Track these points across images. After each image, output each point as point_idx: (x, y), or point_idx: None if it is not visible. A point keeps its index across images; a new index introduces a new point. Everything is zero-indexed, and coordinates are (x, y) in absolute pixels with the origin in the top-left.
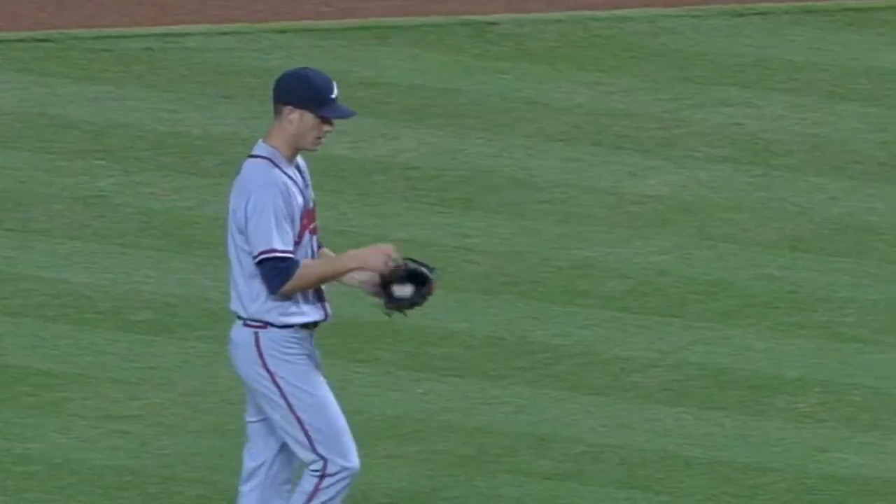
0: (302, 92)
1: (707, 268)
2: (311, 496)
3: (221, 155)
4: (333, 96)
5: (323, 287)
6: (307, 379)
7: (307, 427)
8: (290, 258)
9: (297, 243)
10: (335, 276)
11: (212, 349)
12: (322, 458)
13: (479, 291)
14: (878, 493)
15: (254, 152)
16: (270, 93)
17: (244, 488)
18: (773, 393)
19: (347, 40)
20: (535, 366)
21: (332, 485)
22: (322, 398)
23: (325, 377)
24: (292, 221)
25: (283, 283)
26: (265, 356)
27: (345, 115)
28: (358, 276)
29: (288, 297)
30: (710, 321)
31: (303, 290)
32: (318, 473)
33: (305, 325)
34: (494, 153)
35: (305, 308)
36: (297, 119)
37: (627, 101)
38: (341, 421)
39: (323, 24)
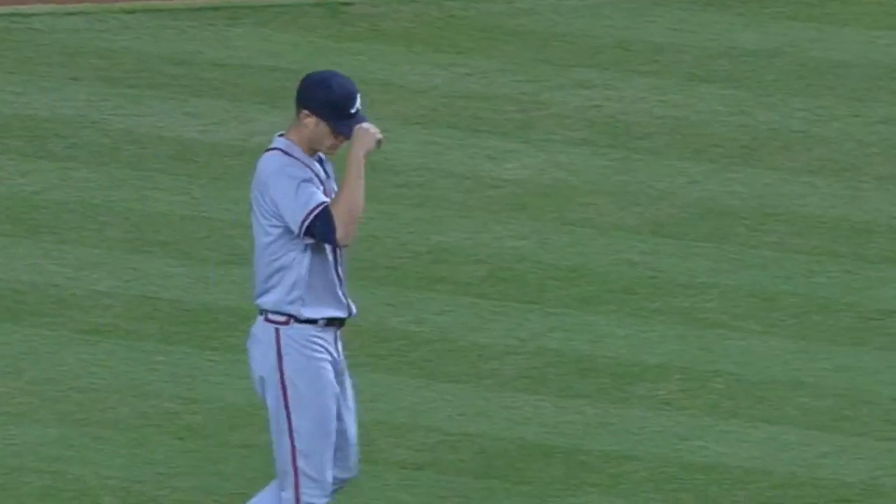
0: (321, 100)
1: (566, 253)
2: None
3: (69, 138)
4: (353, 111)
5: (343, 278)
6: (316, 390)
7: (295, 436)
8: (323, 209)
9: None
10: (359, 176)
11: (60, 336)
12: (296, 476)
13: None
14: (739, 482)
15: (270, 145)
16: (295, 90)
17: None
18: (633, 380)
19: (197, 21)
20: (391, 353)
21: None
22: (322, 420)
23: (343, 381)
24: (318, 183)
25: (332, 229)
26: (283, 353)
27: None
28: None
29: (313, 290)
30: (569, 307)
31: (355, 219)
32: (292, 499)
33: (329, 322)
34: None
35: (330, 302)
36: (313, 125)
37: (485, 83)
38: (331, 437)
39: (172, 4)
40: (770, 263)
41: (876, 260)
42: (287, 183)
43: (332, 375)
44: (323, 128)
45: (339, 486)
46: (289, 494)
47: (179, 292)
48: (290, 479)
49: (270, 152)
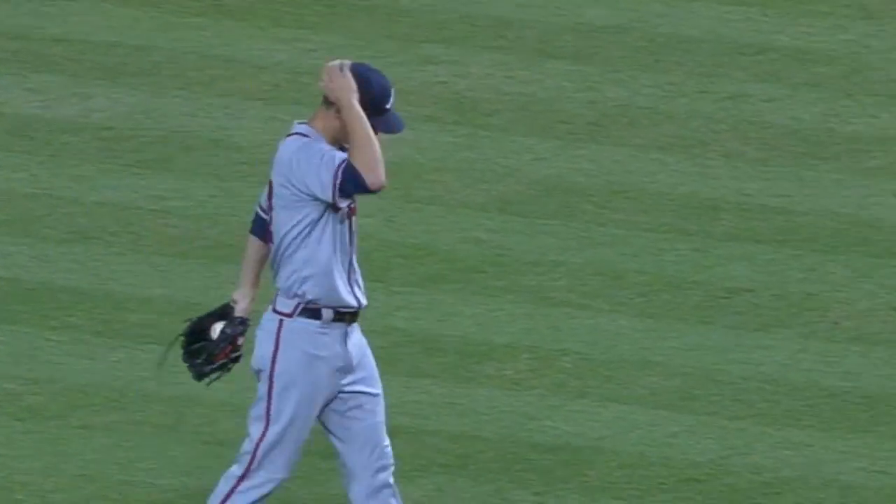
0: (361, 95)
1: (412, 231)
2: (236, 484)
3: None
4: (388, 106)
5: (357, 269)
6: (299, 397)
7: (266, 438)
8: (346, 163)
9: (342, 221)
10: (361, 118)
11: None
12: (255, 459)
13: (176, 256)
14: (587, 462)
15: (292, 131)
16: None
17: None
18: (481, 360)
19: None
20: None
21: (255, 486)
22: (298, 420)
23: (358, 374)
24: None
25: (360, 177)
26: (281, 345)
27: (395, 129)
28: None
29: (327, 280)
30: (415, 286)
31: (378, 160)
32: (238, 475)
33: (337, 317)
34: (191, 112)
35: (340, 294)
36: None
37: (329, 59)
38: (301, 436)
39: None
40: (618, 241)
41: (724, 237)
42: (310, 155)
43: (326, 377)
44: None
45: (382, 483)
46: (238, 471)
47: (18, 270)
48: (247, 459)
49: (292, 137)
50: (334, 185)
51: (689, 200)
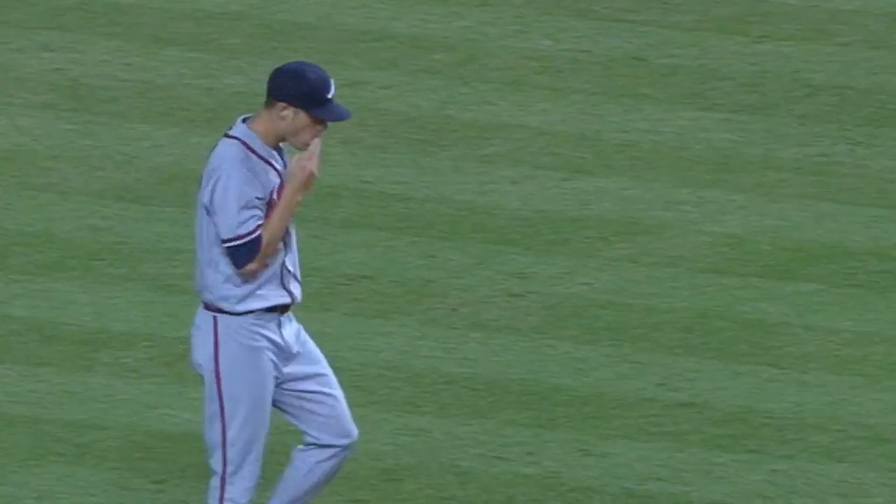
0: (298, 90)
1: (29, 219)
2: (221, 491)
3: None
4: (329, 96)
5: (293, 269)
6: (248, 375)
7: (228, 437)
8: (254, 238)
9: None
10: (289, 212)
11: None
12: (226, 464)
13: None
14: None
15: (230, 132)
16: (266, 83)
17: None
18: (99, 348)
19: None
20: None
21: (232, 498)
22: (253, 400)
23: (297, 360)
24: (264, 205)
25: (250, 259)
26: (220, 342)
27: (341, 116)
28: None
29: (247, 281)
30: (32, 274)
31: (273, 255)
32: (217, 479)
33: (269, 310)
34: None
35: (263, 293)
36: (291, 116)
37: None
38: (262, 430)
39: None
40: None
41: (343, 224)
42: (234, 198)
43: (270, 366)
44: (302, 118)
45: (343, 453)
46: (216, 482)
47: None
48: (220, 466)
49: (230, 141)
50: (228, 241)
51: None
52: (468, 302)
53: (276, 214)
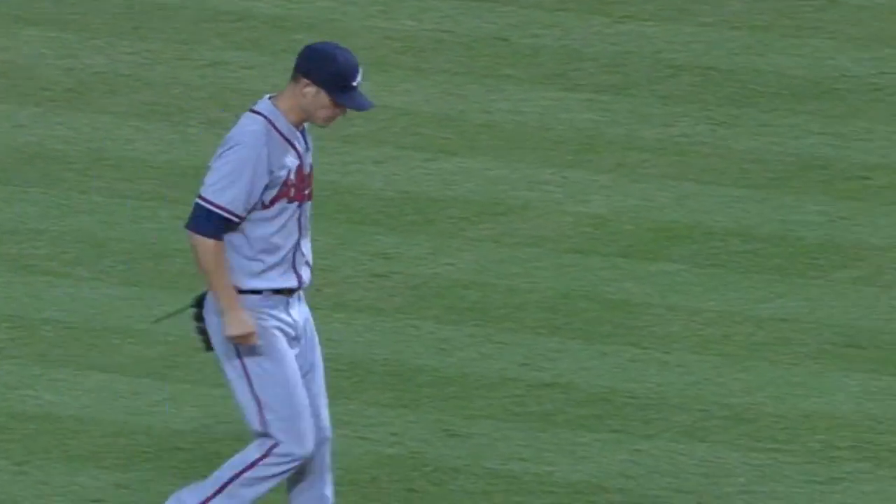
0: (325, 71)
1: None
2: (251, 466)
3: None
4: (355, 83)
5: (306, 253)
6: (271, 354)
7: (263, 407)
8: (224, 219)
9: (265, 207)
10: (213, 287)
11: None
12: (272, 438)
13: None
14: (71, 431)
15: (254, 107)
16: (295, 57)
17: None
18: None
19: None
20: None
21: (276, 464)
22: (284, 377)
23: (304, 343)
24: (263, 187)
25: (205, 232)
26: None
27: (362, 107)
28: None
29: (257, 260)
30: None
31: (198, 264)
32: (265, 448)
33: (277, 291)
34: None
35: (273, 274)
36: (312, 94)
37: None
38: (302, 402)
39: None
40: (99, 209)
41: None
42: (237, 167)
43: (283, 341)
44: (323, 99)
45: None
46: (265, 445)
47: None
48: (268, 443)
49: (253, 115)
50: (200, 199)
51: (170, 168)
52: (332, 282)
53: (220, 284)
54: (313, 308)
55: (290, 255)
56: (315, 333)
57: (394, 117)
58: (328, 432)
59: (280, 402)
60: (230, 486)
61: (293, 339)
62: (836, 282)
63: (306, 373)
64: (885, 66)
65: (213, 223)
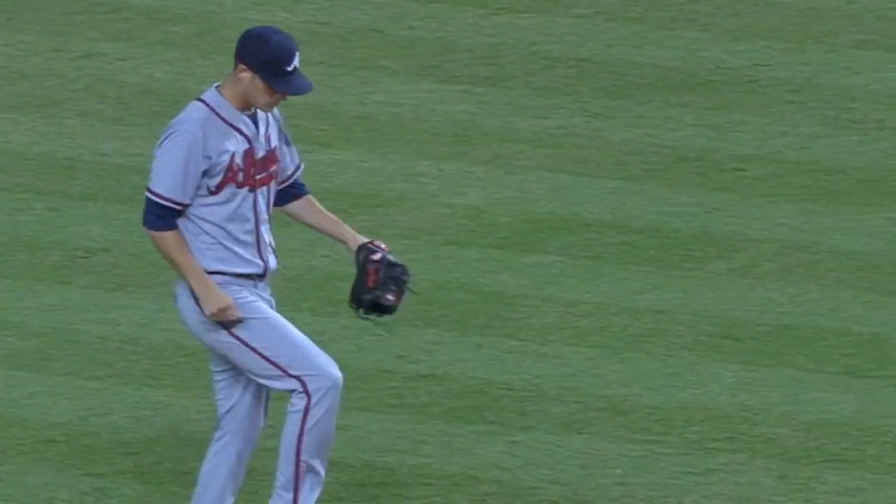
0: (257, 55)
1: None
2: (304, 417)
3: None
4: (290, 68)
5: (268, 239)
6: (249, 308)
7: (270, 355)
8: (165, 206)
9: (213, 193)
10: (178, 268)
11: None
12: (298, 379)
13: None
14: None
15: (200, 95)
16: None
17: (216, 436)
18: None
19: None
20: None
21: (320, 401)
22: (273, 319)
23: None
24: (201, 173)
25: (157, 228)
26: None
27: (297, 90)
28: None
29: (219, 245)
30: None
31: (160, 251)
32: (301, 394)
33: (240, 276)
34: None
35: (235, 259)
36: (248, 79)
37: None
38: (300, 336)
39: None
40: None
41: (81, 197)
42: (174, 153)
43: (256, 299)
44: (258, 83)
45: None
46: (298, 399)
47: None
48: (298, 386)
49: (195, 103)
50: (147, 191)
51: (45, 160)
52: None
53: (182, 263)
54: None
55: (252, 239)
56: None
57: None
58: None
59: (283, 346)
60: (302, 451)
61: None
62: (711, 273)
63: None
64: (759, 59)
65: (160, 215)
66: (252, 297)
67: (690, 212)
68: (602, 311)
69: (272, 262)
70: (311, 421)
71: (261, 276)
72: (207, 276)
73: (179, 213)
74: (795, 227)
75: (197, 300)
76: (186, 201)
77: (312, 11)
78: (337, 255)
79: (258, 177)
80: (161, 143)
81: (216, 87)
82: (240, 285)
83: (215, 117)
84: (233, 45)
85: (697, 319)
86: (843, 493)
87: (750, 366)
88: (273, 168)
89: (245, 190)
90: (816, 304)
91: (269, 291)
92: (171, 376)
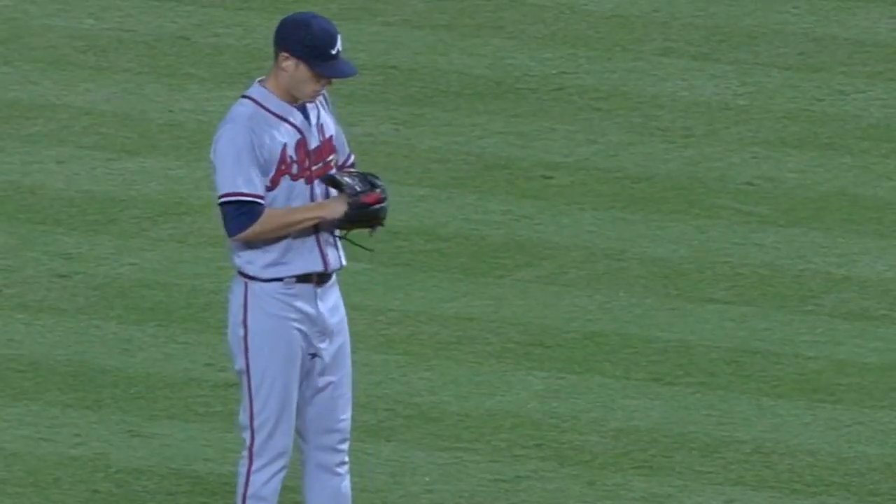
0: (299, 41)
1: None
2: (246, 483)
3: None
4: (334, 52)
5: (326, 233)
6: (277, 361)
7: (254, 408)
8: (254, 202)
9: (269, 189)
10: (296, 225)
11: None
12: (252, 434)
13: None
14: None
15: (245, 92)
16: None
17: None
18: None
19: None
20: None
21: (262, 468)
22: (281, 388)
23: (332, 338)
24: (274, 162)
25: (242, 228)
26: (248, 310)
27: (343, 74)
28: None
29: (269, 245)
30: None
31: (267, 239)
32: (245, 455)
33: (301, 279)
34: None
35: (294, 258)
36: (292, 68)
37: None
38: (288, 409)
39: None
40: None
41: None
42: (231, 151)
43: (298, 337)
44: (303, 71)
45: (332, 451)
46: (244, 454)
47: None
48: (248, 437)
49: (241, 100)
50: (220, 197)
51: None
52: (13, 283)
53: (287, 217)
54: None
55: (310, 235)
56: (344, 326)
57: (75, 116)
58: (346, 434)
59: (268, 394)
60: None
61: (319, 335)
62: (519, 281)
63: (323, 370)
64: (566, 66)
65: (242, 215)
66: (295, 340)
67: (498, 219)
68: (410, 319)
69: (333, 259)
70: (253, 484)
71: (322, 277)
72: (307, 206)
73: (256, 205)
74: (603, 234)
75: (245, 309)
76: (257, 192)
77: (119, 18)
78: (144, 263)
79: (314, 168)
80: (214, 149)
81: (259, 81)
82: (298, 294)
83: (262, 111)
84: (38, 53)
85: (506, 327)
86: (651, 500)
87: (559, 373)
88: (330, 158)
89: (301, 182)
90: (624, 312)
91: (332, 302)
92: None
